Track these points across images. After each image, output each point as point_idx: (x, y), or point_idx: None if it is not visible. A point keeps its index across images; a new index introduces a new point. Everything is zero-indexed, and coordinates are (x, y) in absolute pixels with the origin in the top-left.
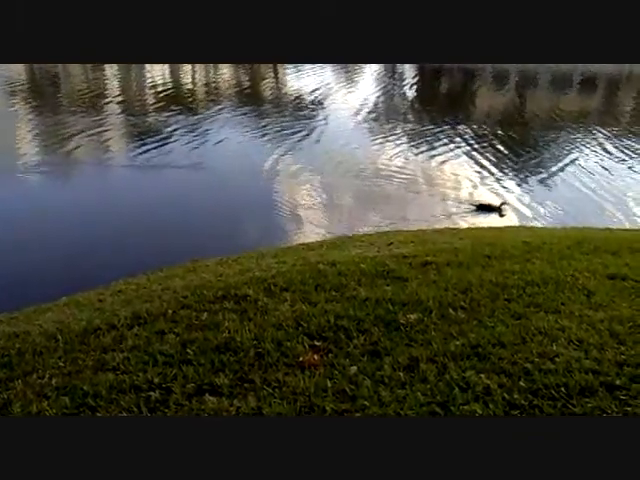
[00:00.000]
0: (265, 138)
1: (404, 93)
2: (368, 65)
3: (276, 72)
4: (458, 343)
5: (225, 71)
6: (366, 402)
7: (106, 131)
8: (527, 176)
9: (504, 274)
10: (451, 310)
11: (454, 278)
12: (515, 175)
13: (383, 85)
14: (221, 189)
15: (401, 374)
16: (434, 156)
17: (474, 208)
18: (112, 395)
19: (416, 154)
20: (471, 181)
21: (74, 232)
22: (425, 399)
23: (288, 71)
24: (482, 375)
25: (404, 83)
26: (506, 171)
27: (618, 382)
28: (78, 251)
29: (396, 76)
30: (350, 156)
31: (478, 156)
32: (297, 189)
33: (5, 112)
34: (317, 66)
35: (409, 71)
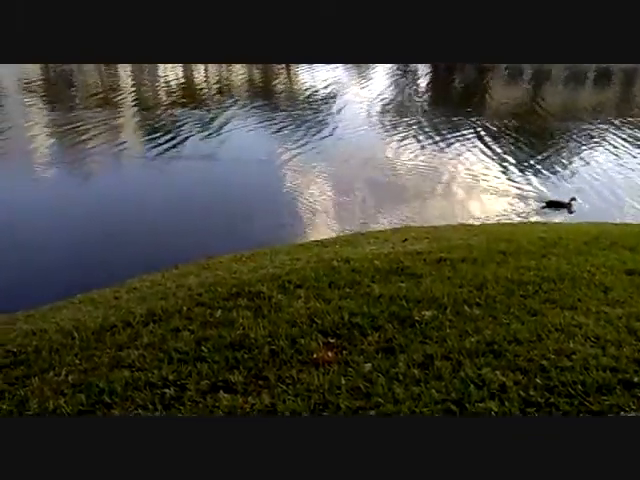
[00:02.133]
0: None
1: (444, 90)
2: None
3: (287, 70)
4: (473, 340)
5: (254, 70)
6: (380, 399)
7: (129, 126)
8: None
9: (520, 270)
10: (466, 307)
11: (469, 274)
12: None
13: (424, 83)
14: (245, 182)
15: (416, 371)
16: (486, 152)
17: (544, 205)
18: (127, 392)
19: (466, 151)
20: (533, 178)
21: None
22: (440, 396)
23: (326, 69)
24: (498, 372)
25: (437, 81)
26: (558, 167)
27: (636, 379)
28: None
29: (428, 75)
30: (399, 153)
31: (531, 153)
32: (352, 184)
33: (32, 109)
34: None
35: (440, 70)
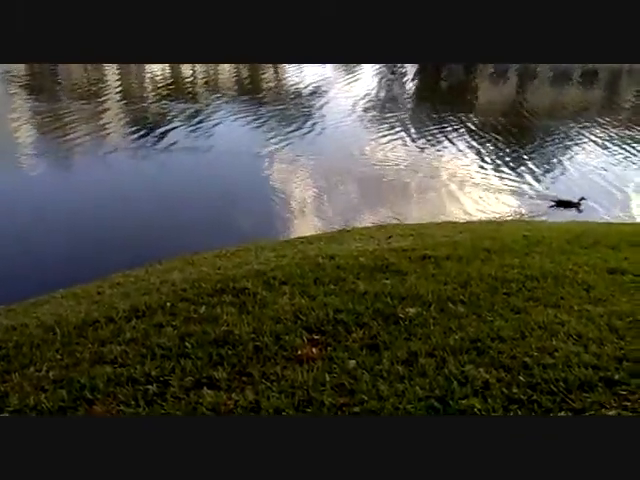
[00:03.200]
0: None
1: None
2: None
3: (275, 70)
4: (457, 337)
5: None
6: (365, 396)
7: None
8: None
9: (503, 268)
10: (450, 304)
11: (453, 272)
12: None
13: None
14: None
15: (400, 368)
16: (496, 153)
17: (553, 204)
18: (109, 388)
19: (464, 149)
20: (541, 176)
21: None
22: (424, 393)
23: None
24: (481, 369)
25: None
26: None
27: (617, 377)
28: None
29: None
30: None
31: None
32: (384, 183)
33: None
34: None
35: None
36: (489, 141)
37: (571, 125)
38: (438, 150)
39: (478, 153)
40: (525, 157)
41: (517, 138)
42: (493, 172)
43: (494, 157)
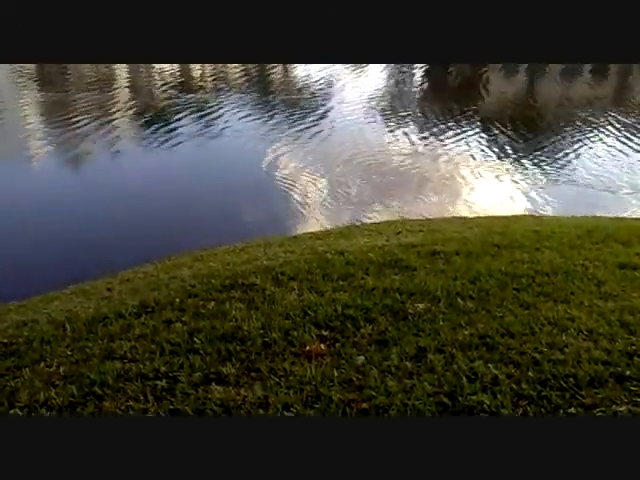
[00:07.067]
0: None
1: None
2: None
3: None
4: (466, 333)
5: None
6: (373, 392)
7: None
8: None
9: (513, 263)
10: (459, 300)
11: (463, 267)
12: None
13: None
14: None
15: (408, 364)
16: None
17: None
18: (119, 384)
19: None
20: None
21: None
22: (432, 389)
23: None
24: (490, 365)
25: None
26: None
27: (628, 373)
28: None
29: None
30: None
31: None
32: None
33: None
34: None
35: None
36: (567, 134)
37: None
38: (518, 146)
39: (565, 149)
40: (609, 153)
41: (595, 133)
42: (585, 168)
43: (582, 153)
